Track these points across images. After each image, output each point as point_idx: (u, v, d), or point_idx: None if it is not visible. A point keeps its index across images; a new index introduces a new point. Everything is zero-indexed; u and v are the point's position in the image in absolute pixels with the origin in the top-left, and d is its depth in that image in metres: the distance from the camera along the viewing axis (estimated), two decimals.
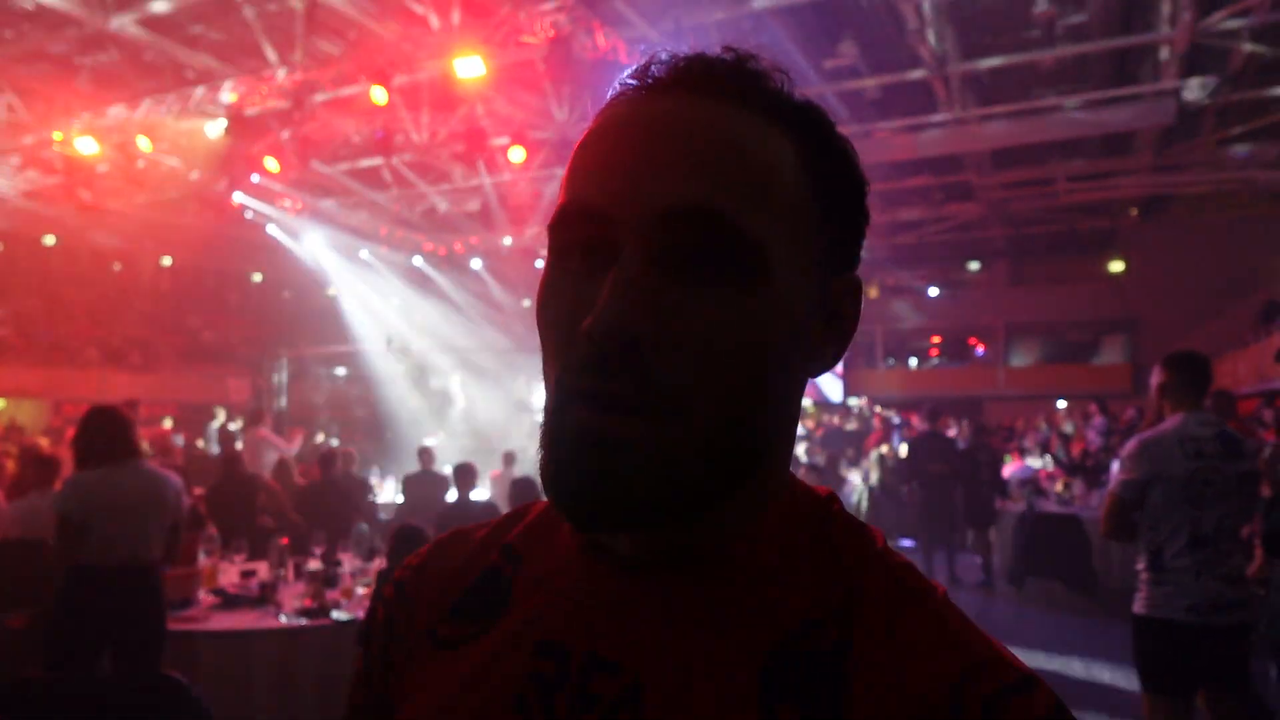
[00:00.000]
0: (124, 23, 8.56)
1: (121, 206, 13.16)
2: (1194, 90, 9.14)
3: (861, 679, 0.48)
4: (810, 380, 0.59)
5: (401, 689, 0.61)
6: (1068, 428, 13.27)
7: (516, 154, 10.13)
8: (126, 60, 9.62)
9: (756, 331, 0.50)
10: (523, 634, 0.56)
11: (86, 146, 10.14)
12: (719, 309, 0.49)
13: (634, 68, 0.55)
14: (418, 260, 16.02)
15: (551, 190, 13.24)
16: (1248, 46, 8.67)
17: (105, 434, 3.61)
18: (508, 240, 14.57)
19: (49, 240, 18.45)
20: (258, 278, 22.74)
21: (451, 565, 0.65)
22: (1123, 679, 5.11)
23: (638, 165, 0.49)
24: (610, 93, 0.55)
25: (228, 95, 9.52)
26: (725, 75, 0.52)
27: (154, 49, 9.35)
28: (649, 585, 0.53)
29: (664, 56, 0.54)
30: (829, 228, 0.54)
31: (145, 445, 5.82)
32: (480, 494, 7.07)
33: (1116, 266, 21.18)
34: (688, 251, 0.49)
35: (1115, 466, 6.68)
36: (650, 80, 0.53)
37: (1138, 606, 3.07)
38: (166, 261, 20.75)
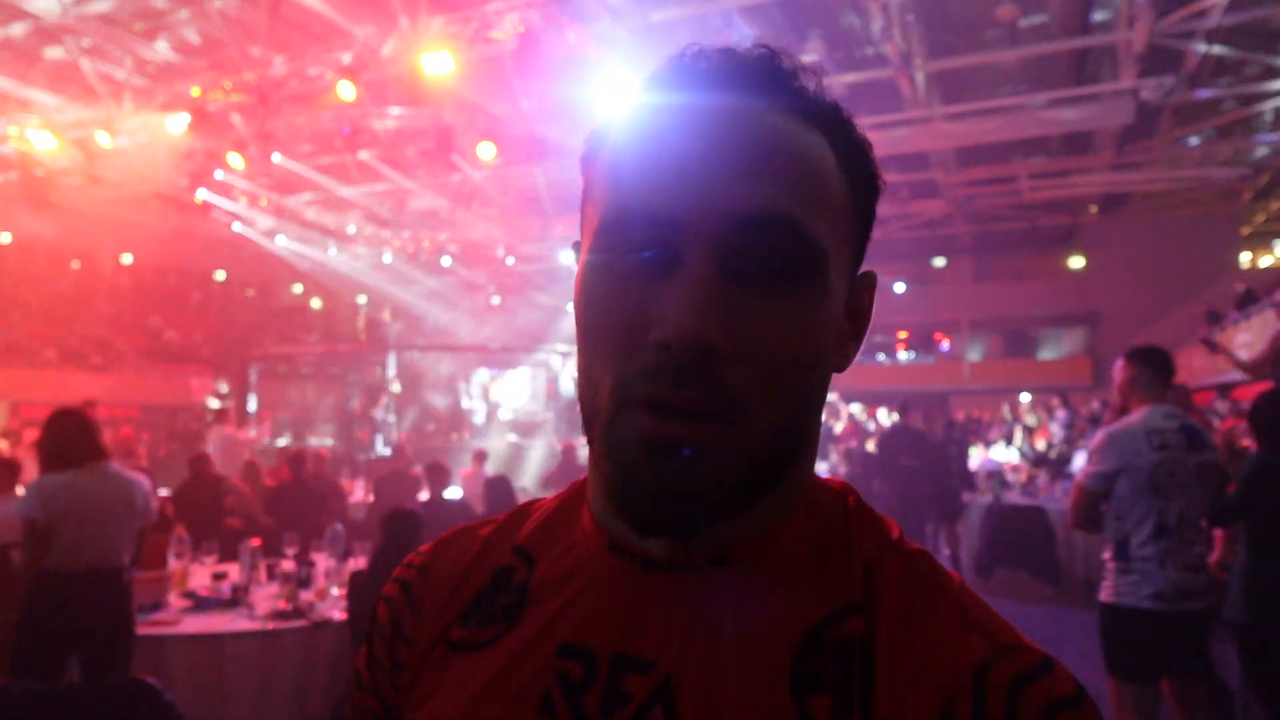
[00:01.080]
0: (82, 15, 8.38)
1: (80, 203, 12.88)
2: (1151, 90, 9.33)
3: (887, 667, 0.49)
4: None
5: (413, 693, 0.60)
6: (1030, 420, 13.50)
7: (486, 150, 10.08)
8: (85, 54, 9.41)
9: (815, 339, 0.50)
10: (544, 637, 0.56)
11: (43, 142, 9.92)
12: (786, 319, 0.49)
13: (664, 64, 0.54)
14: (387, 257, 15.88)
15: (521, 187, 13.18)
16: (1202, 48, 8.88)
17: (70, 436, 3.54)
18: (477, 236, 14.51)
19: (4, 238, 18.01)
20: (221, 276, 22.39)
21: (459, 566, 0.64)
22: (1088, 666, 5.21)
23: (704, 169, 0.48)
24: (641, 88, 0.54)
25: (190, 90, 9.35)
26: (765, 75, 0.52)
27: (113, 42, 9.17)
28: (676, 585, 0.54)
29: (692, 51, 0.53)
30: (857, 226, 0.56)
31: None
32: (453, 492, 7.04)
33: (1077, 262, 21.57)
34: (758, 259, 0.48)
35: (1079, 458, 6.79)
36: (689, 78, 0.52)
37: (1104, 595, 3.14)
38: (127, 259, 20.35)
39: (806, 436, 0.54)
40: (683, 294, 0.47)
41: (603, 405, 0.50)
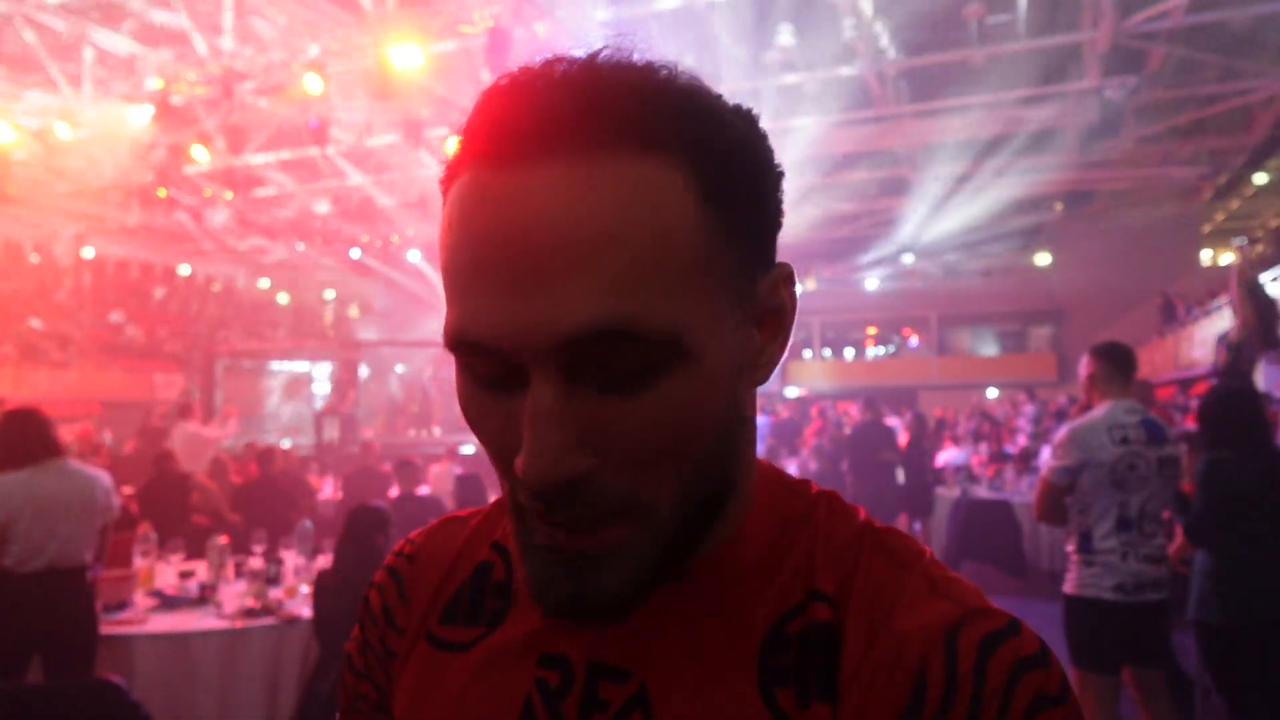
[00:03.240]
0: (41, 3, 8.21)
1: (39, 195, 12.62)
2: (1114, 89, 9.49)
3: (855, 648, 0.50)
4: None
5: (401, 683, 0.61)
6: (998, 415, 13.71)
7: (454, 145, 10.01)
8: (43, 43, 9.21)
9: (692, 412, 0.46)
10: (525, 644, 0.57)
11: (1, 133, 9.71)
12: (652, 411, 0.45)
13: (475, 119, 0.47)
14: (355, 253, 15.73)
15: None
16: (1164, 48, 9.05)
17: (25, 434, 3.48)
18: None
19: None
20: (185, 270, 22.03)
21: (445, 557, 0.64)
22: None
23: (521, 286, 0.43)
24: (459, 150, 0.48)
25: (153, 81, 9.20)
26: (589, 109, 0.44)
27: (73, 32, 8.98)
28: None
29: (511, 105, 0.46)
30: (739, 241, 0.48)
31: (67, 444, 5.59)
32: (423, 489, 7.00)
33: (1043, 259, 21.86)
34: (601, 367, 0.44)
35: (1045, 453, 6.91)
36: (505, 146, 0.45)
37: (1068, 587, 3.20)
38: (87, 253, 19.95)
39: (732, 470, 0.53)
40: (530, 430, 0.44)
41: (507, 493, 0.50)
